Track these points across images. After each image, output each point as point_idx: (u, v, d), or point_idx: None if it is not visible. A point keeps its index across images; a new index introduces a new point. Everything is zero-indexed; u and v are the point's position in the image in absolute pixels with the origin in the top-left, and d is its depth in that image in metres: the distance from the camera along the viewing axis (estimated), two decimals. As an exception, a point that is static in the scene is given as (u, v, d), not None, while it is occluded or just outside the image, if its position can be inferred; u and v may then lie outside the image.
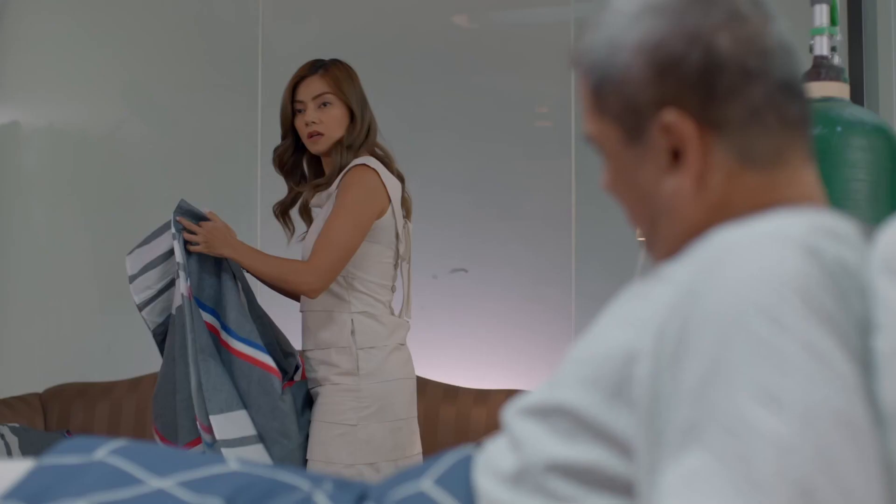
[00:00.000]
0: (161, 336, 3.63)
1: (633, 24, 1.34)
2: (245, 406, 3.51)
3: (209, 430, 3.43)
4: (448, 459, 1.46)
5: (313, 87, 3.65)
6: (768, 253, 1.14)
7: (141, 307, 3.60)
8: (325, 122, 3.62)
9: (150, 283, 3.60)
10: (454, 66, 5.26)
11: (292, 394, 3.57)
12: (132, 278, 3.59)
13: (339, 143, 3.62)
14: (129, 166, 5.40)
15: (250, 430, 3.48)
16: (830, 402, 1.06)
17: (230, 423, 3.45)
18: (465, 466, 1.43)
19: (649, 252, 1.43)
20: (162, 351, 3.64)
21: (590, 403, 1.28)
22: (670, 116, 1.31)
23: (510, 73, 5.26)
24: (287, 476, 1.50)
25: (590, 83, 1.39)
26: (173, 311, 3.57)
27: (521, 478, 1.33)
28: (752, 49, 1.31)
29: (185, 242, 3.53)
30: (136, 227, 5.23)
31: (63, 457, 1.52)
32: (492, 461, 1.40)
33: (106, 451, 1.52)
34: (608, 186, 1.44)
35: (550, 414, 1.33)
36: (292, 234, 3.77)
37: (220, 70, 5.41)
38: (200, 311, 3.54)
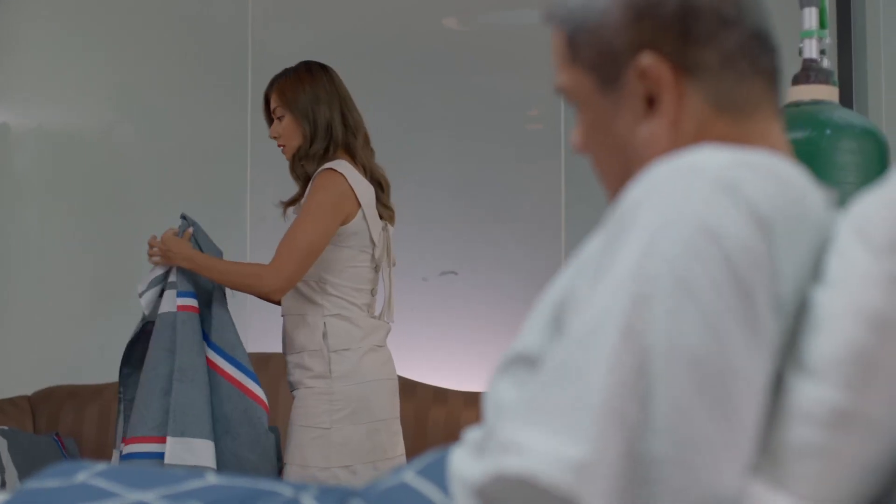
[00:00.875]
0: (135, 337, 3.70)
1: None
2: (219, 433, 3.53)
3: (133, 441, 3.47)
4: (432, 454, 1.48)
5: (270, 102, 3.73)
6: (680, 192, 1.16)
7: (146, 318, 3.69)
8: (282, 136, 3.68)
9: (153, 297, 3.68)
10: (444, 69, 5.27)
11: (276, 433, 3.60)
12: (141, 294, 3.67)
13: (296, 153, 3.66)
14: (119, 168, 5.40)
15: (208, 462, 3.46)
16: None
17: (186, 450, 3.45)
18: (447, 458, 1.45)
19: None
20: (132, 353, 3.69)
21: (539, 344, 1.32)
22: (647, 60, 1.32)
23: (500, 75, 5.27)
24: (269, 484, 1.51)
25: (565, 33, 1.40)
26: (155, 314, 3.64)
27: (484, 441, 1.35)
28: None
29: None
30: (127, 229, 5.24)
31: (45, 481, 1.53)
32: (465, 438, 1.44)
33: (88, 474, 1.53)
34: (580, 145, 1.44)
35: (510, 365, 1.38)
36: None
37: (210, 73, 5.41)
38: (197, 321, 3.61)
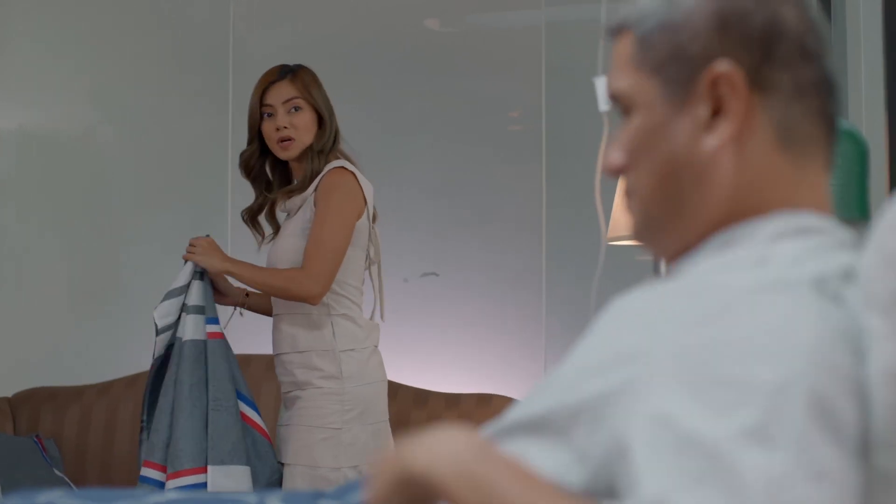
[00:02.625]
0: (159, 362, 3.60)
1: None
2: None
3: (159, 468, 3.43)
4: None
5: (283, 91, 3.65)
6: (776, 313, 1.15)
7: (159, 332, 3.57)
8: (296, 127, 3.62)
9: (172, 310, 3.57)
10: (426, 70, 5.27)
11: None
12: (157, 307, 3.58)
13: (309, 148, 3.62)
14: (100, 170, 5.38)
15: (247, 487, 3.47)
16: None
17: (226, 476, 3.44)
18: None
19: (654, 246, 1.41)
20: (154, 378, 3.60)
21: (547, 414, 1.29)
22: (724, 66, 1.29)
23: (482, 77, 5.27)
24: (231, 495, 1.51)
25: (636, 35, 1.37)
26: (177, 339, 3.56)
27: None
28: (811, 30, 1.33)
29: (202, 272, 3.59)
30: (107, 230, 5.23)
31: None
32: None
33: (48, 497, 1.53)
34: (619, 161, 1.40)
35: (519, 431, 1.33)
36: (262, 239, 3.77)
37: (191, 74, 5.40)
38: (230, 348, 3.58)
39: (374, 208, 3.71)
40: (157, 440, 3.46)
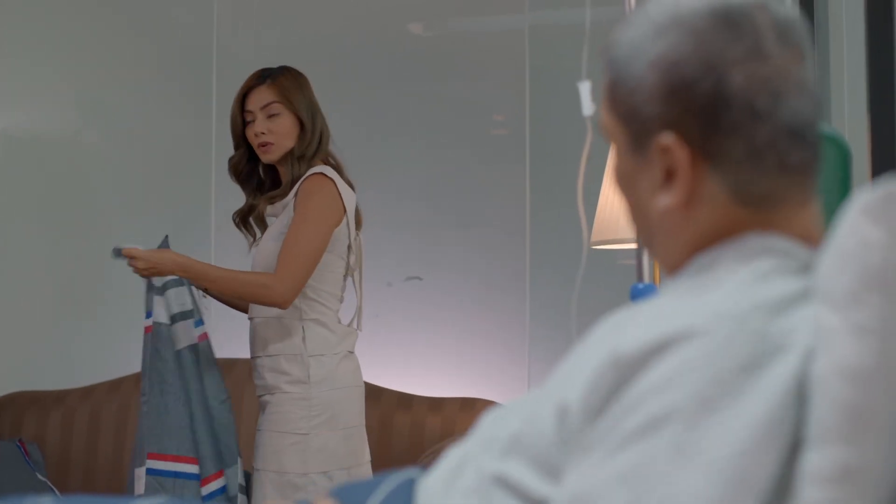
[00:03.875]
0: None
1: (657, 36, 1.33)
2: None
3: (160, 458, 3.56)
4: (388, 484, 1.47)
5: (261, 97, 3.64)
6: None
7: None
8: (274, 132, 3.61)
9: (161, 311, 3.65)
10: (409, 74, 5.27)
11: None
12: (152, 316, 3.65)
13: (290, 153, 3.61)
14: (83, 173, 5.38)
15: (241, 480, 3.62)
16: None
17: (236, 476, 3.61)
18: (406, 490, 1.45)
19: (653, 256, 1.44)
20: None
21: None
22: (667, 140, 1.31)
23: (465, 80, 5.27)
24: (114, 499, 1.52)
25: (609, 77, 1.38)
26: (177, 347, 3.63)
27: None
28: (764, 89, 1.30)
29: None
30: (91, 234, 5.22)
31: None
32: (438, 466, 1.43)
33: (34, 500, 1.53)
34: (614, 181, 1.44)
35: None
36: (254, 241, 3.76)
37: (175, 78, 5.39)
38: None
39: (360, 215, 3.70)
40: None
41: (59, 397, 4.88)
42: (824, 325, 1.16)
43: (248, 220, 3.74)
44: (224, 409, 3.60)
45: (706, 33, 1.31)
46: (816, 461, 1.13)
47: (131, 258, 3.47)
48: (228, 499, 3.54)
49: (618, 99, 1.36)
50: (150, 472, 3.52)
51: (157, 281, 3.61)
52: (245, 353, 3.72)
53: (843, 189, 2.53)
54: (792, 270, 1.27)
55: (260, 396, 3.63)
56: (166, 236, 3.64)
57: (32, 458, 4.61)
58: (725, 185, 1.31)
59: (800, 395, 1.16)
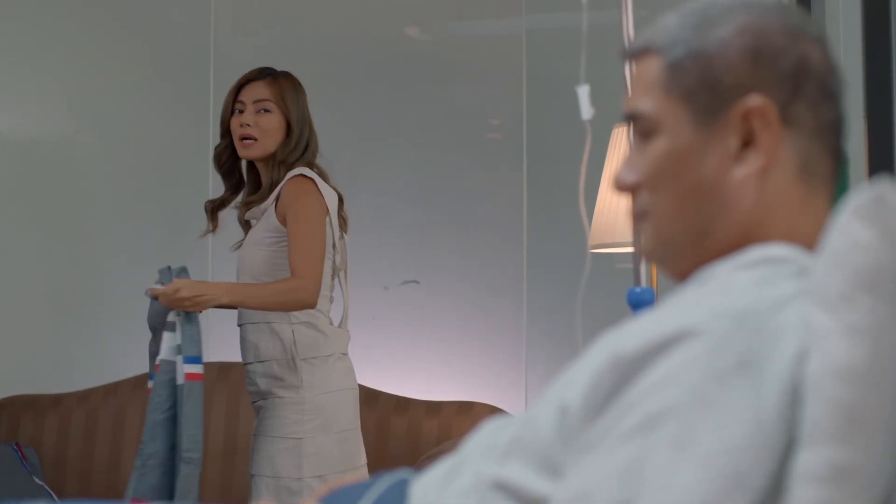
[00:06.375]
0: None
1: (734, 10, 1.36)
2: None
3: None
4: (381, 485, 1.48)
5: (257, 91, 3.64)
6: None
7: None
8: (260, 127, 3.60)
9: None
10: (406, 78, 5.26)
11: None
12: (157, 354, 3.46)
13: (272, 156, 3.61)
14: (79, 178, 5.37)
15: None
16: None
17: None
18: (399, 490, 1.45)
19: (667, 266, 1.43)
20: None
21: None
22: (757, 100, 1.32)
23: (462, 84, 5.27)
24: None
25: (666, 58, 1.38)
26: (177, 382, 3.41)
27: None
28: (832, 73, 1.36)
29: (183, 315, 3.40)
30: (87, 238, 5.21)
31: None
32: (430, 470, 1.43)
33: None
34: (633, 181, 1.42)
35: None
36: (213, 232, 3.76)
37: (171, 81, 5.39)
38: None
39: (346, 217, 3.70)
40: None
41: (56, 401, 4.88)
42: (817, 325, 1.18)
43: (217, 211, 3.74)
44: (188, 469, 3.31)
45: (788, 9, 1.37)
46: (810, 460, 1.14)
47: (157, 294, 3.37)
48: None
49: (683, 74, 1.36)
50: None
51: (171, 316, 3.41)
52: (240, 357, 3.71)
53: (840, 193, 2.53)
54: (790, 274, 1.28)
55: (254, 403, 3.62)
56: (184, 267, 3.47)
57: (29, 462, 4.60)
58: (796, 154, 1.35)
59: (795, 395, 1.17)
